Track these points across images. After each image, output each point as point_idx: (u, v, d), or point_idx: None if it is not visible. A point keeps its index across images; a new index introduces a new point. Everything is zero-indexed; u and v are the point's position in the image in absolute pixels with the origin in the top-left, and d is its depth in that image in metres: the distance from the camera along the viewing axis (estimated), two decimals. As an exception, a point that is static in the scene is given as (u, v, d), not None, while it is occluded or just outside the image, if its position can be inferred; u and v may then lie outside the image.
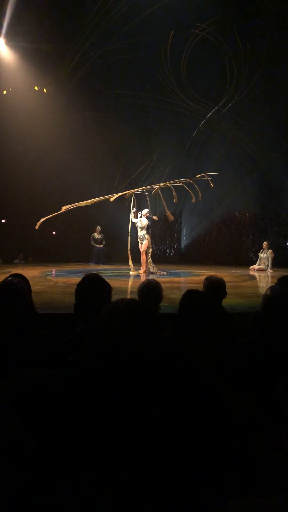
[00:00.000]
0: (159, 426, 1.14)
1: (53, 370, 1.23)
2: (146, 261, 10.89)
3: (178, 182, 11.50)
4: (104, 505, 1.02)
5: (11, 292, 2.25)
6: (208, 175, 11.41)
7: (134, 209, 11.23)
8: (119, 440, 1.08)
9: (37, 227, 10.73)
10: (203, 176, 11.40)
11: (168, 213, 12.10)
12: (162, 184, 11.91)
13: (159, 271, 10.97)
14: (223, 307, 3.23)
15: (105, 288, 2.33)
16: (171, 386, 1.21)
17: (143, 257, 10.88)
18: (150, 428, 1.12)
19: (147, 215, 11.05)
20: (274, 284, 2.79)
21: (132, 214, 11.24)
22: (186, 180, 11.47)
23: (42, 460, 1.02)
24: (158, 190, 11.86)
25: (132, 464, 1.07)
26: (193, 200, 11.54)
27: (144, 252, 10.86)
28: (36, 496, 0.98)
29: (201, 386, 1.26)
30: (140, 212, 11.13)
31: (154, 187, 11.70)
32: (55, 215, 10.91)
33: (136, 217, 11.15)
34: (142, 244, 10.90)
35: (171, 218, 12.81)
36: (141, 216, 11.07)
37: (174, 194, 11.29)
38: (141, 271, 10.80)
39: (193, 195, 11.38)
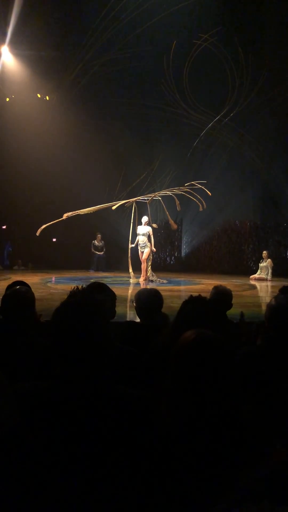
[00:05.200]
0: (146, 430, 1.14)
1: (44, 382, 1.23)
2: (146, 269, 10.85)
3: (175, 190, 11.53)
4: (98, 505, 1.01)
5: (20, 302, 2.23)
6: (197, 183, 11.42)
7: (132, 245, 11.21)
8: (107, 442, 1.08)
9: (38, 233, 10.72)
10: (192, 185, 11.41)
11: (171, 221, 12.10)
12: (156, 193, 11.95)
13: (158, 279, 10.95)
14: (227, 316, 3.22)
15: (110, 295, 2.33)
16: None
17: (144, 265, 10.85)
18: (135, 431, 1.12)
19: (147, 223, 11.05)
20: (278, 294, 2.77)
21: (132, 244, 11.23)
22: (180, 189, 11.49)
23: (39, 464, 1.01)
24: (159, 198, 11.90)
25: (124, 468, 1.06)
26: (201, 208, 11.52)
27: (145, 260, 10.84)
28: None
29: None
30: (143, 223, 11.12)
31: (152, 195, 11.73)
32: (56, 222, 10.91)
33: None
34: (143, 252, 10.87)
35: (174, 226, 12.81)
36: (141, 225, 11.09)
37: (177, 202, 11.30)
38: (141, 279, 10.77)
39: (199, 203, 11.39)
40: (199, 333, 1.20)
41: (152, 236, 11.01)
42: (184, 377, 1.13)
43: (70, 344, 1.14)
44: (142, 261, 10.87)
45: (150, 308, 2.93)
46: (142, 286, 9.53)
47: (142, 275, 10.86)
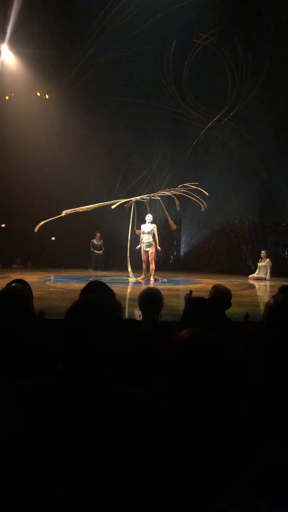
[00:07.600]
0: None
1: (45, 380, 1.23)
2: (148, 270, 10.76)
3: (172, 191, 11.51)
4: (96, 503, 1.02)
5: (14, 299, 2.22)
6: (191, 185, 11.40)
7: (138, 247, 11.07)
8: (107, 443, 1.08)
9: (36, 230, 10.74)
10: (186, 187, 11.39)
11: (171, 222, 12.05)
12: (155, 193, 11.93)
13: (159, 278, 10.91)
14: (226, 315, 3.23)
15: (109, 294, 2.33)
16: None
17: (152, 266, 10.66)
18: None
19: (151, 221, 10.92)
20: (276, 293, 2.78)
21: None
22: (177, 189, 11.48)
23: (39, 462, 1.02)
24: (158, 198, 11.89)
25: (124, 466, 1.07)
26: (202, 208, 11.48)
27: (153, 261, 10.67)
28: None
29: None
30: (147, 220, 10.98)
31: (151, 195, 11.71)
32: (54, 218, 10.93)
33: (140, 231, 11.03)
34: (147, 251, 10.67)
35: (174, 227, 12.76)
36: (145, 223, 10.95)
37: (177, 202, 11.26)
38: (140, 278, 10.73)
39: (201, 204, 11.36)
40: (193, 332, 1.20)
41: (156, 235, 10.84)
42: (179, 376, 1.13)
43: (78, 344, 1.15)
44: (150, 261, 10.64)
45: (151, 307, 2.95)
46: (143, 286, 9.52)
47: (145, 274, 10.78)
